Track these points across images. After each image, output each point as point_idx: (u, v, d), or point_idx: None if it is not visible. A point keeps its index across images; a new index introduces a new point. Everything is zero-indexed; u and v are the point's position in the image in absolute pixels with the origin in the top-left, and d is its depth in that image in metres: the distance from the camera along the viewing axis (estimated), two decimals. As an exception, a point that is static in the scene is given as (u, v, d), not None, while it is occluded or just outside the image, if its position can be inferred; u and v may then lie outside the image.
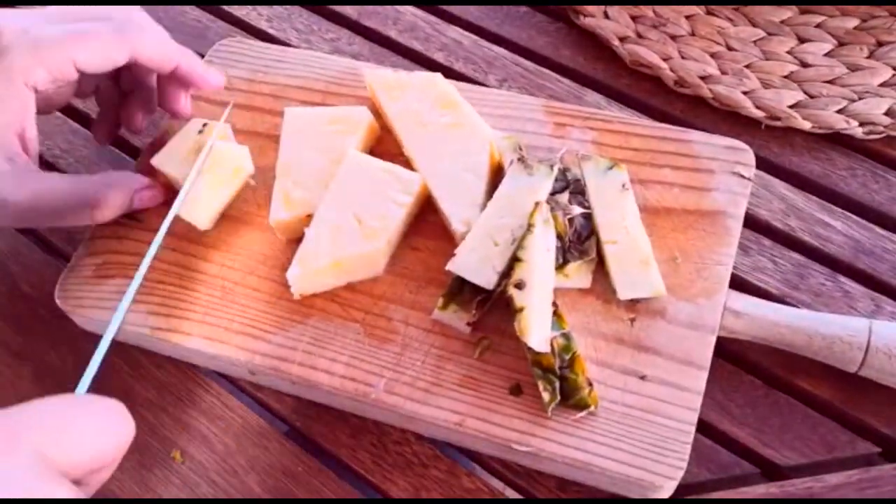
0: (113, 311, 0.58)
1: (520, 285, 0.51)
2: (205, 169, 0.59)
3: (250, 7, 0.78)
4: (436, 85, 0.62)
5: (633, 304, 0.55)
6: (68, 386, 0.58)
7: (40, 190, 0.56)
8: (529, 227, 0.52)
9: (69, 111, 0.74)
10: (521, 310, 0.50)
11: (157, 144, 0.63)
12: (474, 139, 0.59)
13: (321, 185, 0.58)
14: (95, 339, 0.55)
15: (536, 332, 0.50)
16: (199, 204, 0.59)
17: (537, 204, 0.53)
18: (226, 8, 0.79)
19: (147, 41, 0.57)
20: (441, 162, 0.59)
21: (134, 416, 0.57)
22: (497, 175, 0.59)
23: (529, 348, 0.51)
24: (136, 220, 0.62)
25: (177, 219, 0.60)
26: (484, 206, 0.56)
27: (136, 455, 0.57)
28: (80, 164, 0.71)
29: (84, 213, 0.57)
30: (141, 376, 0.60)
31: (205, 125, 0.62)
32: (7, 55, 0.54)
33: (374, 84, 0.63)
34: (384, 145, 0.63)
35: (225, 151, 0.60)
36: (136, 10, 0.59)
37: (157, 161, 0.61)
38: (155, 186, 0.60)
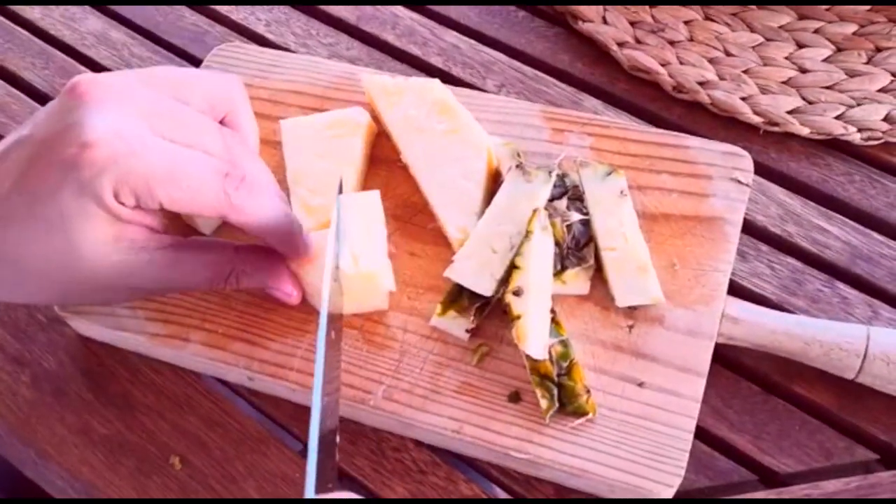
0: (112, 317, 0.58)
1: (517, 292, 0.51)
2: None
3: (248, 11, 0.78)
4: (433, 91, 0.62)
5: (631, 310, 0.55)
6: (67, 392, 0.59)
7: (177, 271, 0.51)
8: (527, 234, 0.52)
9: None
10: (518, 317, 0.50)
11: None
12: (471, 146, 0.59)
13: (335, 190, 0.56)
14: (93, 344, 0.55)
15: (534, 339, 0.50)
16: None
17: (535, 211, 0.53)
18: (224, 12, 0.79)
19: (249, 209, 0.49)
20: (438, 168, 0.59)
21: (132, 421, 0.58)
22: (494, 182, 0.59)
23: (527, 355, 0.51)
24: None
25: (172, 223, 0.60)
26: (481, 213, 0.56)
27: (135, 461, 0.57)
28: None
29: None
30: (139, 382, 0.60)
31: None
32: (96, 180, 0.45)
33: (372, 90, 0.63)
34: (382, 150, 0.63)
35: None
36: (247, 128, 0.54)
37: None
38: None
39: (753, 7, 0.72)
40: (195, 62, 0.75)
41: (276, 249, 0.53)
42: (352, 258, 0.52)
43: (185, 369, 0.60)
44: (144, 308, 0.58)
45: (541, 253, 0.52)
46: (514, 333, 0.50)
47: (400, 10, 0.77)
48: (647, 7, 0.73)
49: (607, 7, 0.73)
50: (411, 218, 0.61)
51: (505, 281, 0.52)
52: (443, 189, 0.58)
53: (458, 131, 0.60)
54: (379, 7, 0.78)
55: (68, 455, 0.57)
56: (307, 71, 0.68)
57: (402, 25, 0.76)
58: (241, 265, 0.52)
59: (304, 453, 0.57)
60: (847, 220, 0.62)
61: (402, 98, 0.62)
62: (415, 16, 0.77)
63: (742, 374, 0.57)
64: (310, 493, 0.41)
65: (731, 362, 0.57)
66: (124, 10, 0.80)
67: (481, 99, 0.66)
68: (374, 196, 0.55)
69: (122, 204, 0.46)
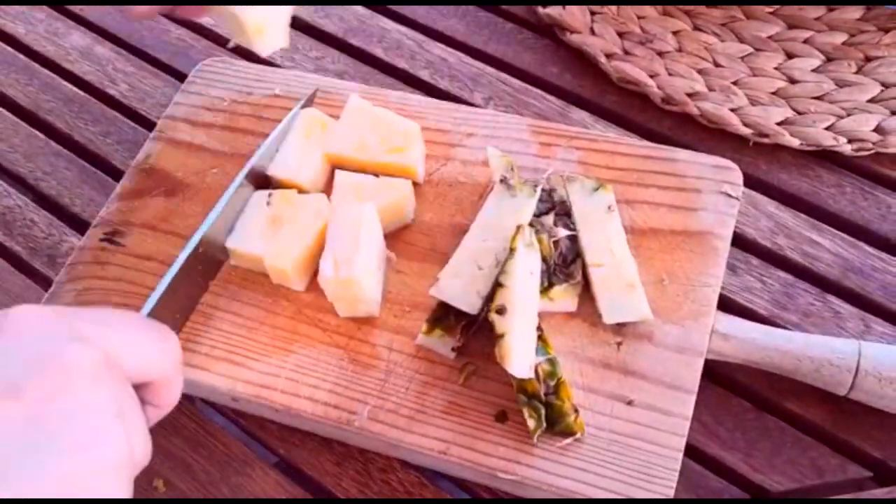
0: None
1: (501, 311, 0.50)
2: (286, 218, 0.57)
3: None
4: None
5: (619, 327, 0.54)
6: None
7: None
8: (511, 251, 0.51)
9: (50, 131, 0.73)
10: (502, 336, 0.49)
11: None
12: None
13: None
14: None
15: (518, 358, 0.49)
16: (285, 252, 0.56)
17: (519, 228, 0.52)
18: (209, 26, 0.78)
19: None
20: None
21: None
22: None
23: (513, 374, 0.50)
24: (118, 245, 0.61)
25: (157, 243, 0.60)
26: None
27: (118, 484, 0.56)
28: (62, 185, 0.70)
29: None
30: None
31: (270, 195, 0.59)
32: None
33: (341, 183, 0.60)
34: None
35: (303, 199, 0.58)
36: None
37: (233, 243, 0.58)
38: None
39: (742, 17, 0.71)
40: (180, 76, 0.74)
41: None
42: (333, 264, 0.53)
43: (169, 390, 0.59)
44: (127, 328, 0.58)
45: (526, 270, 0.52)
46: (497, 353, 0.49)
47: (387, 22, 0.77)
48: (635, 18, 0.73)
49: (595, 18, 0.73)
50: (398, 235, 0.60)
51: (491, 298, 0.52)
52: None
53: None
54: (366, 20, 0.77)
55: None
56: (290, 86, 0.68)
57: (389, 39, 0.76)
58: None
59: (279, 466, 0.56)
60: (838, 232, 0.62)
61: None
62: (402, 29, 0.76)
63: (733, 390, 0.56)
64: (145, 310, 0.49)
65: (721, 379, 0.56)
66: (109, 25, 0.79)
67: (469, 113, 0.65)
68: (370, 208, 0.55)
69: None
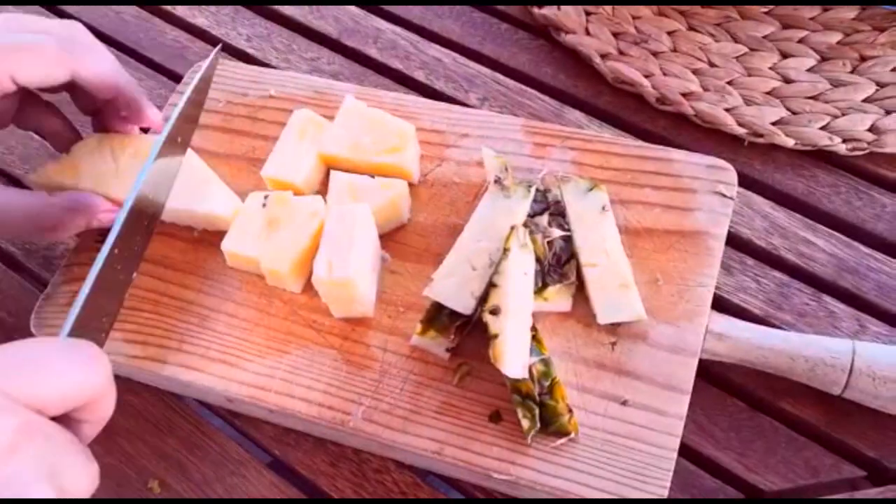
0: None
1: (495, 311, 0.50)
2: (283, 220, 0.57)
3: (230, 27, 0.78)
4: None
5: (614, 327, 0.54)
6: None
7: None
8: (505, 251, 0.51)
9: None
10: (495, 336, 0.49)
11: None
12: None
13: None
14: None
15: (511, 358, 0.49)
16: (282, 254, 0.56)
17: (513, 228, 0.52)
18: (205, 27, 0.78)
19: (90, 61, 0.56)
20: None
21: (110, 445, 0.57)
22: None
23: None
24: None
25: (151, 245, 0.60)
26: None
27: (113, 485, 0.56)
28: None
29: (40, 233, 0.56)
30: (118, 404, 0.58)
31: (266, 196, 0.59)
32: None
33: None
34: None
35: (299, 201, 0.58)
36: (80, 28, 0.57)
37: (228, 245, 0.58)
38: (115, 210, 0.57)
39: (737, 17, 0.71)
40: (176, 78, 0.74)
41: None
42: (327, 265, 0.53)
43: (164, 391, 0.59)
44: (122, 330, 0.58)
45: (520, 270, 0.52)
46: (491, 353, 0.49)
47: (382, 23, 0.77)
48: (629, 18, 0.73)
49: (590, 18, 0.73)
50: (393, 235, 0.60)
51: (484, 299, 0.52)
52: None
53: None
54: (361, 21, 0.77)
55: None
56: (285, 87, 0.68)
57: (384, 39, 0.76)
58: (62, 203, 0.55)
59: (274, 467, 0.56)
60: (833, 232, 0.62)
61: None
62: (397, 29, 0.76)
63: (728, 390, 0.56)
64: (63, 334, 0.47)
65: (716, 378, 0.56)
66: (104, 27, 0.79)
67: (463, 113, 0.65)
68: (364, 209, 0.55)
69: None
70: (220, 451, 0.57)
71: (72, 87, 0.58)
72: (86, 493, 0.40)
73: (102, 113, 0.61)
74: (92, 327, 0.49)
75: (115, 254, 0.51)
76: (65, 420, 0.42)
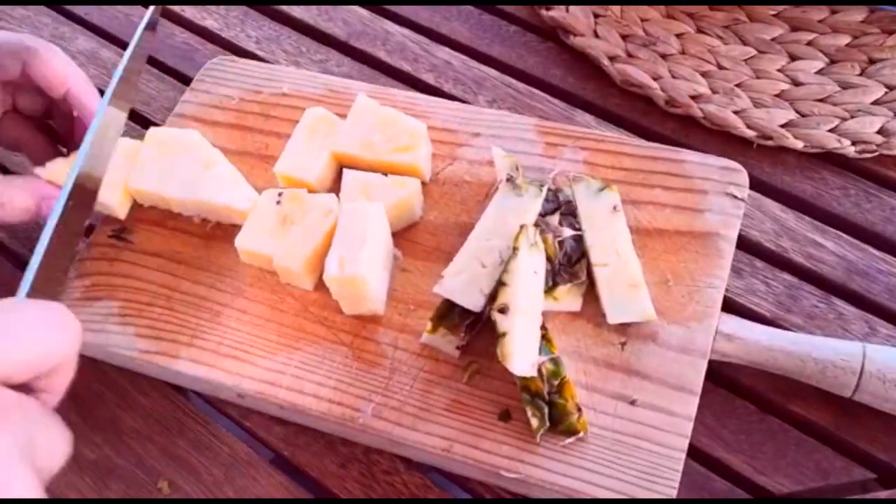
0: (101, 333, 0.57)
1: (503, 310, 0.50)
2: (296, 219, 0.57)
3: (238, 29, 0.78)
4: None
5: (624, 327, 0.54)
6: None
7: None
8: (514, 250, 0.52)
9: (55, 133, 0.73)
10: (503, 335, 0.49)
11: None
12: None
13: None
14: (80, 367, 0.54)
15: (519, 357, 0.49)
16: (295, 252, 0.56)
17: (522, 227, 0.52)
18: (214, 30, 0.78)
19: (43, 53, 0.57)
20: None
21: (120, 445, 0.57)
22: None
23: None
24: (126, 242, 0.62)
25: (165, 240, 0.60)
26: None
27: (123, 486, 0.56)
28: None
29: None
30: (127, 405, 0.59)
31: (281, 194, 0.59)
32: None
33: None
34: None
35: (314, 199, 0.58)
36: (30, 35, 0.59)
37: (242, 242, 0.58)
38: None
39: (746, 19, 0.71)
40: (185, 80, 0.74)
41: None
42: (339, 262, 0.53)
43: (174, 391, 0.59)
44: (135, 325, 0.58)
45: (528, 269, 0.52)
46: (499, 351, 0.49)
47: (391, 25, 0.77)
48: (638, 20, 0.73)
49: (598, 21, 0.73)
50: (404, 233, 0.60)
51: (494, 297, 0.52)
52: None
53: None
54: (369, 23, 0.77)
55: (55, 480, 0.55)
56: (298, 84, 0.68)
57: (393, 42, 0.76)
58: (6, 181, 0.56)
59: (283, 468, 0.56)
60: (842, 234, 0.62)
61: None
62: (406, 32, 0.77)
63: (737, 392, 0.56)
64: (21, 296, 0.45)
65: (726, 380, 0.56)
66: (114, 29, 0.80)
67: (474, 113, 0.65)
68: (378, 207, 0.56)
69: None
70: (230, 452, 0.57)
71: (20, 88, 0.59)
72: (63, 459, 0.39)
73: (53, 118, 0.62)
74: (51, 283, 0.48)
75: (69, 206, 0.51)
76: (24, 390, 0.39)
